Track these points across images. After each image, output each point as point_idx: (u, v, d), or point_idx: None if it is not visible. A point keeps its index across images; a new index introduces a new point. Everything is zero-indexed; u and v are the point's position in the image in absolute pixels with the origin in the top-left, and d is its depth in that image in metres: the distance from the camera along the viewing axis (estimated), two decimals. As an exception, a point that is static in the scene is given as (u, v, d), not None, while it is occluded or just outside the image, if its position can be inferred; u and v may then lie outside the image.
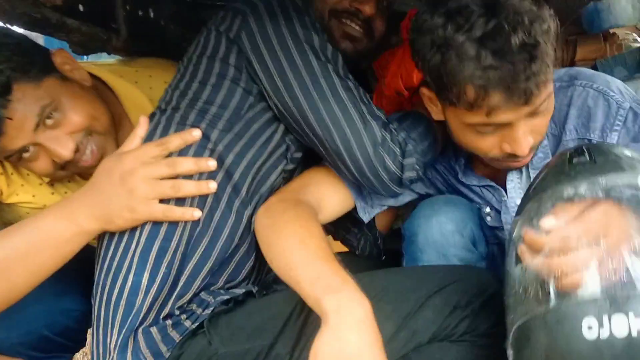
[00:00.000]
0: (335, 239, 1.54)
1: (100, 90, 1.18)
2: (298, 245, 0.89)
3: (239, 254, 1.05)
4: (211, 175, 1.00)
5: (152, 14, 1.49)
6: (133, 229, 0.98)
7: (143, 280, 0.95)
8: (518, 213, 0.80)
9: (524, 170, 1.06)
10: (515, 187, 1.07)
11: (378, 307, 0.81)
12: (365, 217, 1.14)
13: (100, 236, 1.03)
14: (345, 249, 1.43)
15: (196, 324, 0.94)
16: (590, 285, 0.65)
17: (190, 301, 0.99)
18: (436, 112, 1.00)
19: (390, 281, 0.91)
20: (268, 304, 0.97)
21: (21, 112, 1.00)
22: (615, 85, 1.01)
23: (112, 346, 0.93)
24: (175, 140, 0.99)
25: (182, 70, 1.08)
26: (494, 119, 0.88)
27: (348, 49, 1.19)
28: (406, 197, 1.19)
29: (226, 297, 0.97)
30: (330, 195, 1.09)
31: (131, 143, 1.01)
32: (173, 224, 0.98)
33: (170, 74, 1.27)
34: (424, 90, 0.99)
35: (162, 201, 0.97)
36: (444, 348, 0.90)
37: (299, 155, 1.10)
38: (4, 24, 1.07)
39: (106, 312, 0.96)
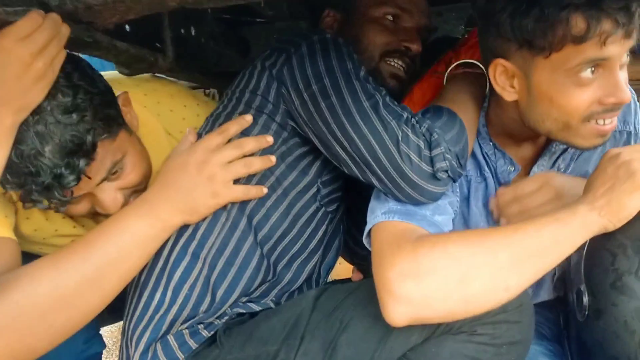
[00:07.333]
0: (350, 263, 1.52)
1: None
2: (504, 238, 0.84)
3: (266, 284, 1.06)
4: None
5: (193, 32, 1.49)
6: (161, 250, 1.00)
7: (166, 299, 0.98)
8: None
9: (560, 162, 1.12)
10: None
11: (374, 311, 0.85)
12: None
13: None
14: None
15: (212, 333, 0.97)
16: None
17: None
18: (511, 91, 0.98)
19: None
20: (276, 312, 1.00)
21: (96, 168, 0.99)
22: None
23: (134, 357, 0.97)
24: (233, 127, 1.03)
25: (226, 102, 1.11)
26: (606, 51, 0.86)
27: (394, 87, 1.22)
28: None
29: (242, 310, 1.00)
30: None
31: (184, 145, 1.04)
32: (199, 247, 1.01)
33: (176, 102, 1.28)
34: (500, 66, 0.96)
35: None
36: (439, 341, 0.91)
37: (330, 198, 1.11)
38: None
39: (130, 325, 0.99)
